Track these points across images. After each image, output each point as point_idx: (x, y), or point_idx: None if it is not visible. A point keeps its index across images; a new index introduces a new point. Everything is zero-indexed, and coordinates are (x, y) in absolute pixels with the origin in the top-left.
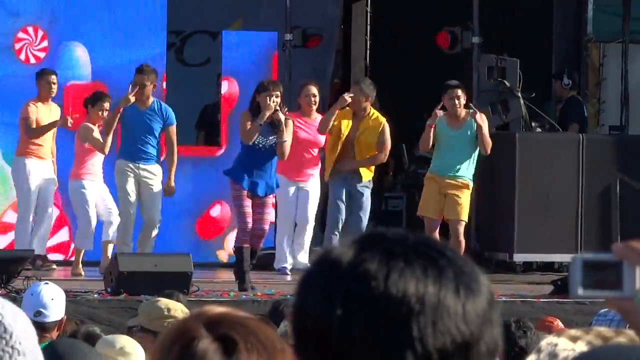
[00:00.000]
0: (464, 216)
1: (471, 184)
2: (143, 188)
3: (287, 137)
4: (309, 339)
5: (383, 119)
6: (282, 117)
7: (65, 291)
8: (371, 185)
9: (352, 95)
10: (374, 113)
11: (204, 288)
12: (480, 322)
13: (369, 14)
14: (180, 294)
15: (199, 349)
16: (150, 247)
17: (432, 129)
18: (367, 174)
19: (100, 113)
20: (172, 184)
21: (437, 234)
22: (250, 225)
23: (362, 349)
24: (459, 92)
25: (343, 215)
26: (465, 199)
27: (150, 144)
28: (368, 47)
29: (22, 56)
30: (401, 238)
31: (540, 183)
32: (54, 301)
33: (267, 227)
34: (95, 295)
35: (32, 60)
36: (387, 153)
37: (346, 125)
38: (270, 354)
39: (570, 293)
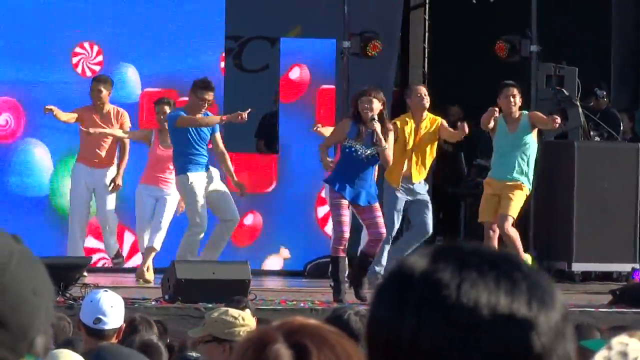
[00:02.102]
0: (512, 212)
1: (526, 186)
2: (213, 192)
3: (388, 143)
4: (380, 348)
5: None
6: (377, 125)
7: (123, 298)
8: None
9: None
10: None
11: (262, 296)
12: (553, 336)
13: (427, 21)
14: (248, 301)
15: (271, 352)
16: (221, 248)
17: (496, 113)
18: (417, 176)
19: (159, 116)
20: (236, 179)
21: (495, 240)
22: (346, 235)
23: (431, 358)
24: (515, 91)
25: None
26: (517, 197)
27: (207, 151)
28: (426, 55)
29: (79, 69)
30: (475, 250)
31: (598, 192)
32: (113, 308)
33: (383, 230)
34: (153, 303)
35: (88, 74)
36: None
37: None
38: None
39: None
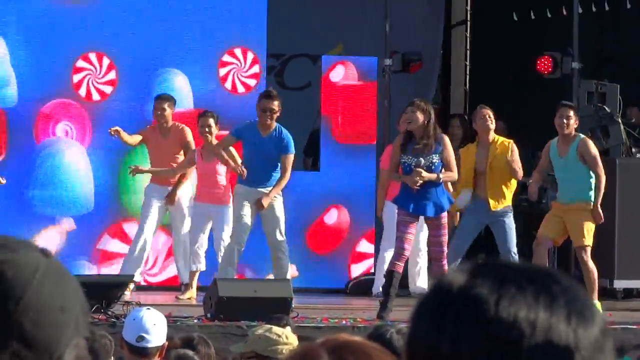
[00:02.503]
0: (586, 241)
1: (588, 203)
2: (266, 212)
3: (448, 154)
4: None
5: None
6: (424, 175)
7: (165, 316)
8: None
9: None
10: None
11: (303, 313)
12: (592, 350)
13: (468, 39)
14: (289, 319)
15: None
16: (283, 273)
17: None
18: (495, 204)
19: (203, 129)
20: (266, 201)
21: (543, 252)
22: (406, 252)
23: None
24: (570, 112)
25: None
26: (586, 222)
27: (267, 169)
28: (468, 72)
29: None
30: (514, 265)
31: None
32: (155, 326)
33: (442, 248)
34: (195, 321)
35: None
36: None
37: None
38: None
39: None
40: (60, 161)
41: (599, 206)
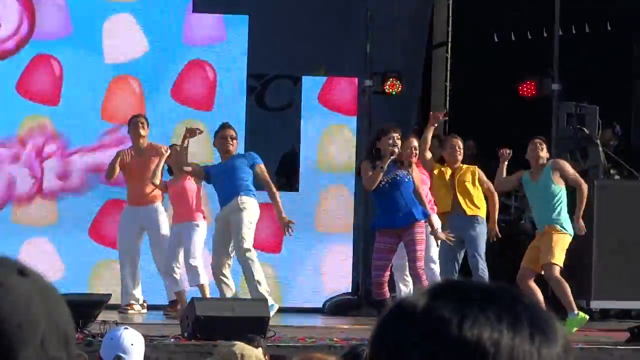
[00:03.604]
0: (553, 259)
1: (557, 226)
2: (232, 224)
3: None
4: None
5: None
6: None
7: (142, 336)
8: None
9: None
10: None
11: (281, 333)
12: None
13: (449, 60)
14: (261, 339)
15: None
16: (253, 288)
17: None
18: (468, 209)
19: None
20: (285, 216)
21: (529, 282)
22: (382, 279)
23: None
24: (543, 143)
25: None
26: (555, 241)
27: (229, 184)
28: (448, 94)
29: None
30: (475, 285)
31: (618, 230)
32: (133, 346)
33: (419, 263)
34: (172, 340)
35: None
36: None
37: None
38: None
39: None
40: None
41: (580, 219)
